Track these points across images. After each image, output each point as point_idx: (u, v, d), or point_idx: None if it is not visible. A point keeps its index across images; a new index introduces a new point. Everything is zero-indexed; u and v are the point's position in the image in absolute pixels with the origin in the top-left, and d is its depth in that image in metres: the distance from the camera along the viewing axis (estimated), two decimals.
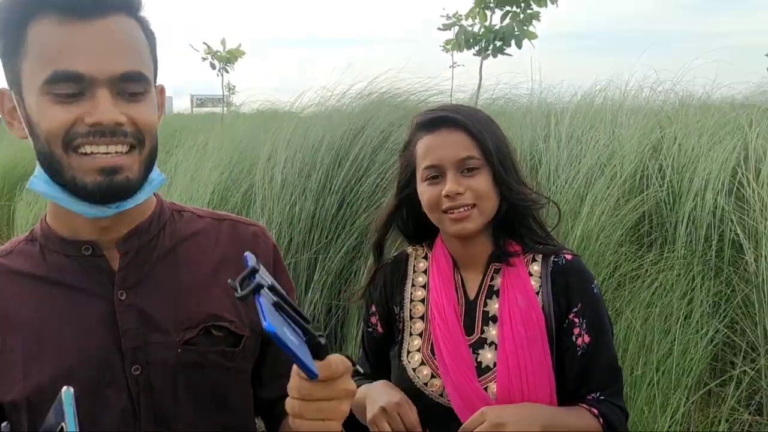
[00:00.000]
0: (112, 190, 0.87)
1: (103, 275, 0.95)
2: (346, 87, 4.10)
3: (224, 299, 0.99)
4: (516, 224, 1.32)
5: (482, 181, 1.26)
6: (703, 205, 3.39)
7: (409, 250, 1.43)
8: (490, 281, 1.32)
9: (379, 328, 1.40)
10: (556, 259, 1.31)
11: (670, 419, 2.61)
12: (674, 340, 2.73)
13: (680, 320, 2.82)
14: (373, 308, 1.41)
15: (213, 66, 7.09)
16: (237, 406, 1.02)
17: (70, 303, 0.93)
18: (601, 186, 3.26)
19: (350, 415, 1.20)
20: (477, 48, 3.01)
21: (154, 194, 1.04)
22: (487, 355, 1.26)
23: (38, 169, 0.91)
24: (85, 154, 0.85)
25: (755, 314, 3.04)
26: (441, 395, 1.27)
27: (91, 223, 0.93)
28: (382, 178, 3.26)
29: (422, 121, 1.31)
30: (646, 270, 3.03)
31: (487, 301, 1.31)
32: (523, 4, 2.81)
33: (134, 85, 0.87)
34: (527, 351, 1.23)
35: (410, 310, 1.36)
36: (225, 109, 8.90)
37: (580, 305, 1.27)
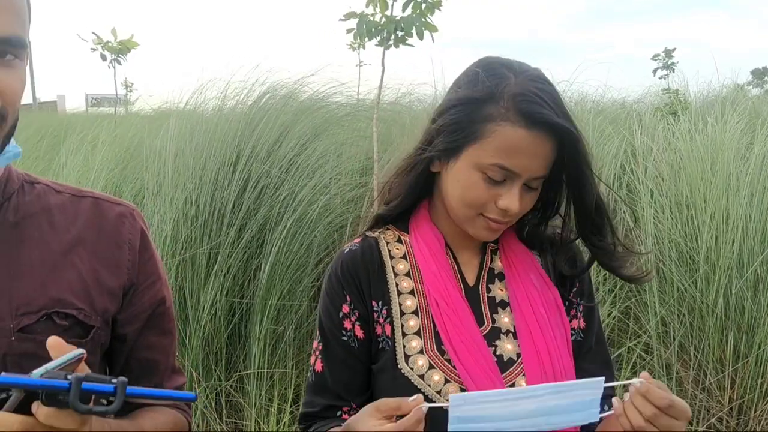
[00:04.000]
0: None
1: None
2: (243, 82, 3.98)
3: (75, 283, 0.89)
4: None
5: (534, 198, 1.06)
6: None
7: (374, 233, 1.15)
8: (490, 263, 1.13)
9: (359, 333, 1.09)
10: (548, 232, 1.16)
11: None
12: None
13: None
14: (346, 307, 1.09)
15: (104, 57, 6.72)
16: None
17: None
18: None
19: None
20: (379, 38, 2.99)
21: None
22: (507, 346, 1.06)
23: None
24: None
25: (647, 298, 3.19)
26: None
27: None
28: (285, 171, 3.18)
29: (526, 108, 0.97)
30: None
31: (489, 286, 1.11)
32: None
33: (13, 50, 0.78)
34: (552, 337, 1.06)
35: (400, 305, 1.08)
36: (120, 106, 8.49)
37: (578, 285, 1.14)
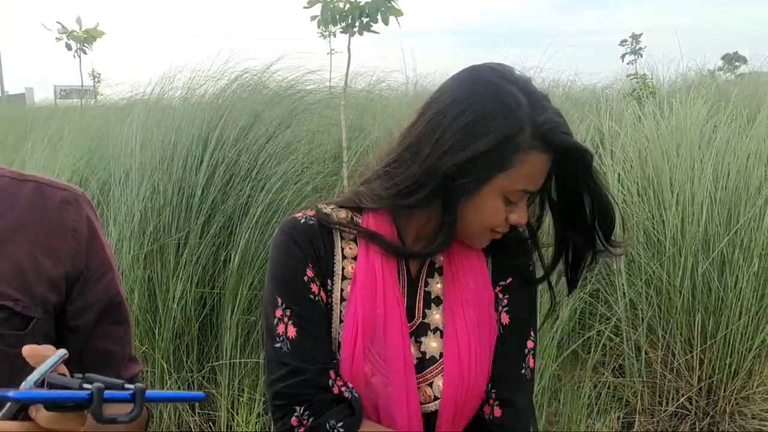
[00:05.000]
0: None
1: None
2: (211, 72, 3.92)
3: (11, 273, 0.85)
4: None
5: None
6: None
7: (327, 209, 1.10)
8: (433, 257, 1.11)
9: (324, 297, 1.06)
10: None
11: (538, 384, 2.72)
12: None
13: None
14: (311, 272, 1.05)
15: (69, 47, 6.59)
16: None
17: None
18: None
19: None
20: (344, 25, 2.97)
21: None
22: (432, 344, 1.06)
23: None
24: None
25: (615, 281, 3.23)
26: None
27: None
28: (254, 158, 3.15)
29: (552, 138, 1.00)
30: None
31: (428, 280, 1.10)
32: None
33: None
34: (477, 337, 1.05)
35: (341, 291, 1.06)
36: (88, 97, 8.37)
37: (511, 280, 1.12)
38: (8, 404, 0.61)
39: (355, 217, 1.11)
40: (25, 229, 0.88)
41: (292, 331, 1.03)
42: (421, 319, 1.07)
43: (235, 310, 3.00)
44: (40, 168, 3.64)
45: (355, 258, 1.07)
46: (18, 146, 4.70)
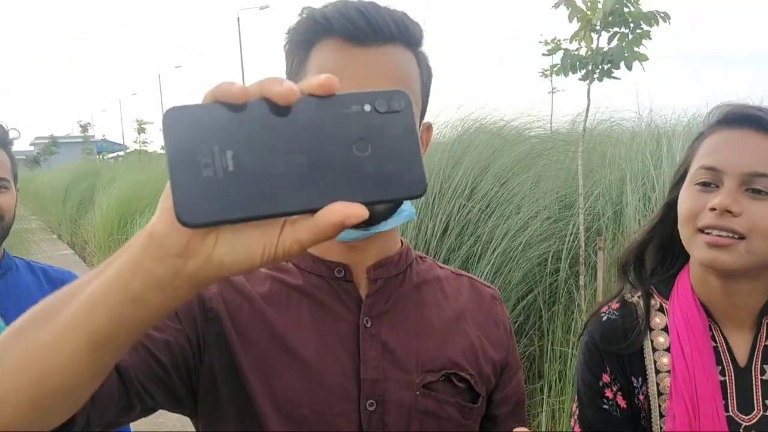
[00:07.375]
0: None
1: (351, 300, 0.91)
2: (439, 118, 4.08)
3: (466, 350, 0.93)
4: None
5: None
6: None
7: (634, 298, 1.08)
8: (765, 339, 1.00)
9: (621, 403, 1.04)
10: None
11: None
12: None
13: None
14: (607, 377, 1.04)
15: None
16: None
17: (316, 317, 0.90)
18: None
19: None
20: (583, 72, 2.93)
21: (400, 239, 1.02)
22: None
23: None
24: None
25: None
26: None
27: (343, 244, 0.90)
28: (487, 206, 3.21)
29: (721, 115, 0.99)
30: None
31: (765, 367, 0.99)
32: (632, 25, 2.72)
33: None
34: None
35: (657, 385, 1.02)
36: None
37: None
38: None
39: (663, 303, 1.06)
40: (470, 313, 0.97)
41: (577, 430, 1.08)
42: (762, 413, 0.98)
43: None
44: None
45: (667, 349, 1.02)
46: None
